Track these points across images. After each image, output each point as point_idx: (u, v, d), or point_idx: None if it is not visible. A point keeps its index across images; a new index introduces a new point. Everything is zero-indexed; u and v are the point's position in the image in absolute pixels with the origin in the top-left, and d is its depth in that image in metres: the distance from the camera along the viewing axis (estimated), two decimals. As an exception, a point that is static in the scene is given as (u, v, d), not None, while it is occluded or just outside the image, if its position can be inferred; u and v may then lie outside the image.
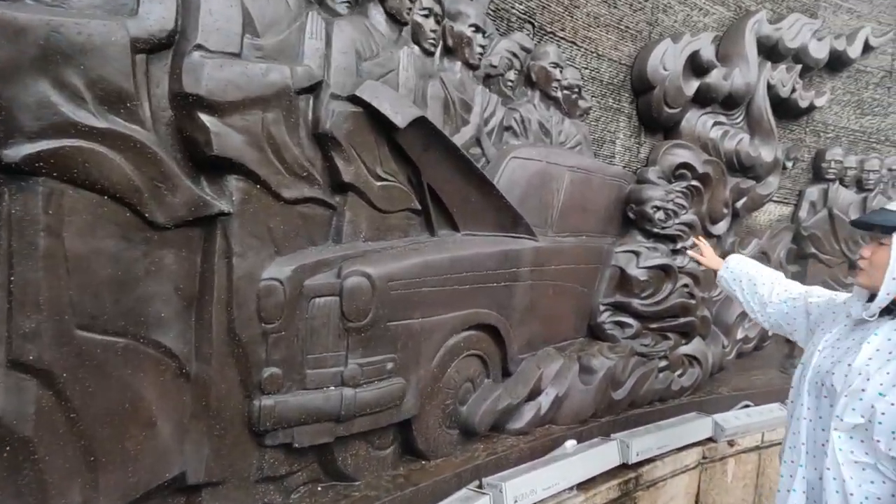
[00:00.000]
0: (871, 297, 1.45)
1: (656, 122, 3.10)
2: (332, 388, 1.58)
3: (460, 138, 2.07)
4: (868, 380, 1.31)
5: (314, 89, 1.54)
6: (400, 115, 1.64)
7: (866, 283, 1.45)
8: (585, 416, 2.54)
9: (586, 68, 2.82)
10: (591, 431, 2.55)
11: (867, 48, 4.01)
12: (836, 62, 3.88)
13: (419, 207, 1.89)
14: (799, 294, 1.85)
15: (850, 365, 1.37)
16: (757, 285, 1.95)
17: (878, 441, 1.28)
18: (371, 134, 1.66)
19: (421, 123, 1.73)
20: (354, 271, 1.59)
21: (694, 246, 2.48)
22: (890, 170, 4.23)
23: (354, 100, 1.60)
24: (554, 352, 2.48)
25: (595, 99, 2.90)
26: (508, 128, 2.35)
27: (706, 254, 2.38)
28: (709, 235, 3.35)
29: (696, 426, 2.80)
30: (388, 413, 1.73)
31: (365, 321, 1.62)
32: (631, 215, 2.93)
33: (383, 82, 1.69)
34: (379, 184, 1.71)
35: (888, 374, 1.30)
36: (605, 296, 2.81)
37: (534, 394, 2.31)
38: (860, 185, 4.08)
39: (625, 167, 3.08)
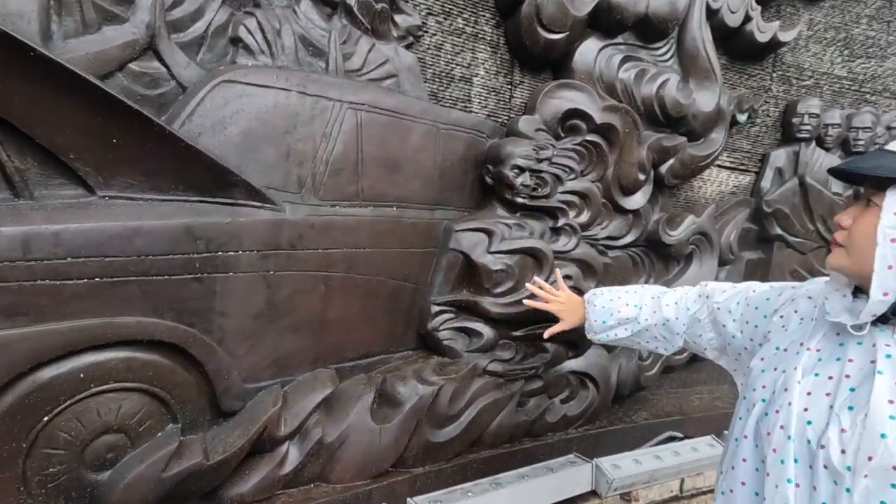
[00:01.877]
0: (857, 289, 0.98)
1: (532, 55, 2.25)
2: None
3: (94, 43, 1.28)
4: None
5: None
6: None
7: (844, 265, 0.98)
8: (382, 468, 1.74)
9: (415, -28, 2.00)
10: (392, 491, 1.76)
11: (858, -32, 3.08)
12: (814, -15, 2.96)
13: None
14: (693, 301, 1.44)
15: (855, 410, 0.86)
16: (641, 317, 1.54)
17: None
18: None
19: None
20: None
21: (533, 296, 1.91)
22: (889, 128, 3.30)
23: None
24: (327, 375, 1.69)
25: (434, 18, 2.07)
26: (237, 40, 1.56)
27: (553, 302, 1.88)
28: (622, 211, 2.51)
29: (567, 476, 1.96)
30: None
31: None
32: (488, 180, 2.12)
33: None
34: None
35: None
36: (440, 292, 2.01)
37: (270, 442, 1.54)
38: (847, 148, 3.18)
39: (489, 115, 2.26)
